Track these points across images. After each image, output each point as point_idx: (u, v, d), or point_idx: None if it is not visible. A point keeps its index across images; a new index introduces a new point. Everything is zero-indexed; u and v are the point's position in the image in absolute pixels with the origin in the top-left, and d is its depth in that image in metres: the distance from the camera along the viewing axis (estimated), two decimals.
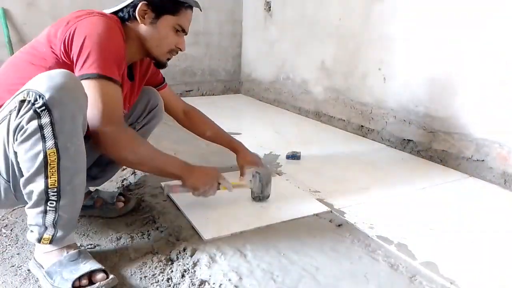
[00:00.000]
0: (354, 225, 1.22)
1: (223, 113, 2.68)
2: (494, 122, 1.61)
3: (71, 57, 0.96)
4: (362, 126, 2.26)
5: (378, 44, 2.10)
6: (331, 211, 1.31)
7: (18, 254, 1.03)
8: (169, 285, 0.92)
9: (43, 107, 0.80)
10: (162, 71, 1.34)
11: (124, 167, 1.61)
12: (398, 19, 1.97)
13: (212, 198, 1.34)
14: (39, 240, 0.90)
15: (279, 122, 2.51)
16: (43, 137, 0.81)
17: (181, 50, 1.18)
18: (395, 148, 2.05)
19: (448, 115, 1.79)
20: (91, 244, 1.08)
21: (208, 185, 1.18)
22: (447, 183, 1.61)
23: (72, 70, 0.95)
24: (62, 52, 0.96)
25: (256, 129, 2.32)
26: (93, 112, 0.94)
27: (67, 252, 0.92)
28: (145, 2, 1.07)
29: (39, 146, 0.82)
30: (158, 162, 1.09)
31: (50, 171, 0.83)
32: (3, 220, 1.19)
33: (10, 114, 0.83)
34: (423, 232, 1.21)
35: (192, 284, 0.93)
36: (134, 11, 1.07)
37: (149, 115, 1.33)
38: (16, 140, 0.83)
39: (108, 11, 1.10)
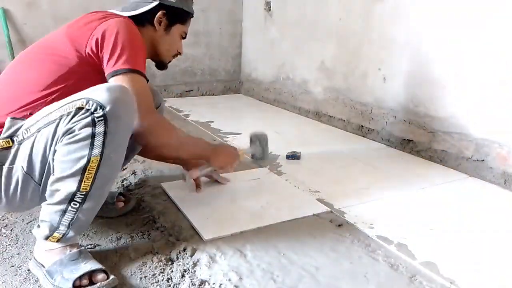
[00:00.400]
0: (354, 225, 1.23)
1: (223, 113, 2.68)
2: (494, 122, 1.61)
3: (101, 55, 1.01)
4: (362, 126, 2.26)
5: (378, 44, 2.10)
6: (331, 211, 1.31)
7: (18, 254, 1.03)
8: (169, 285, 0.93)
9: (102, 118, 0.83)
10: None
11: (124, 166, 1.61)
12: (398, 19, 1.97)
13: (212, 198, 1.35)
14: (47, 238, 0.90)
15: (279, 122, 2.51)
16: (91, 145, 0.84)
17: (180, 54, 1.30)
18: (395, 148, 2.05)
19: (448, 115, 1.79)
20: (91, 244, 1.08)
21: (232, 163, 1.34)
22: (447, 183, 1.61)
23: (96, 68, 1.02)
24: (89, 51, 1.00)
25: (256, 129, 2.31)
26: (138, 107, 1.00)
27: (69, 251, 0.93)
28: (164, 11, 1.17)
29: (85, 152, 0.84)
30: (192, 144, 1.23)
31: (86, 176, 0.85)
32: (3, 220, 1.19)
33: (61, 119, 0.86)
34: (423, 232, 1.21)
35: (192, 284, 0.93)
36: (152, 18, 1.17)
37: None
38: (62, 141, 0.85)
39: (122, 13, 1.15)
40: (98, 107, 0.83)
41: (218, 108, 2.83)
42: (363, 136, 2.24)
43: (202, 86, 3.30)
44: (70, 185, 0.85)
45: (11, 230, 1.14)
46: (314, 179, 1.58)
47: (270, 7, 2.96)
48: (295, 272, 0.99)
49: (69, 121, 0.84)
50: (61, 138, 0.85)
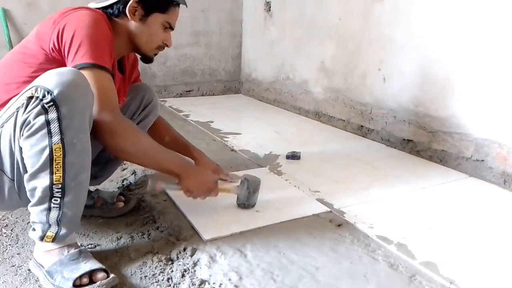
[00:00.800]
0: (354, 225, 1.23)
1: (223, 113, 2.68)
2: (494, 122, 1.61)
3: (62, 51, 0.97)
4: (362, 126, 2.26)
5: (377, 44, 2.10)
6: (331, 211, 1.31)
7: (18, 254, 1.03)
8: (169, 285, 0.93)
9: (51, 103, 0.81)
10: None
11: (124, 166, 1.61)
12: (398, 19, 1.97)
13: (212, 198, 1.34)
14: (42, 238, 0.90)
15: (279, 122, 2.52)
16: (49, 133, 0.82)
17: (168, 46, 1.19)
18: (394, 148, 2.05)
19: (448, 115, 1.79)
20: (91, 244, 1.08)
21: (203, 193, 1.17)
22: (446, 183, 1.61)
23: (63, 65, 0.96)
24: (52, 48, 0.97)
25: (256, 129, 2.32)
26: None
27: (68, 251, 0.93)
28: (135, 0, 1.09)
29: (45, 142, 0.82)
30: (158, 156, 1.07)
31: (55, 167, 0.84)
32: (4, 220, 1.19)
33: (18, 111, 0.85)
34: (423, 232, 1.21)
35: (192, 284, 0.93)
36: (125, 7, 1.09)
37: (144, 110, 1.33)
38: (22, 135, 0.84)
39: (94, 5, 1.11)
40: (46, 93, 0.81)
41: (218, 108, 2.83)
42: (363, 136, 2.24)
43: (202, 86, 3.30)
44: (44, 180, 0.85)
45: (11, 230, 1.14)
46: (314, 179, 1.58)
47: (270, 7, 2.96)
48: (295, 272, 0.99)
49: (23, 112, 0.83)
50: (21, 131, 0.84)
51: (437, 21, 1.79)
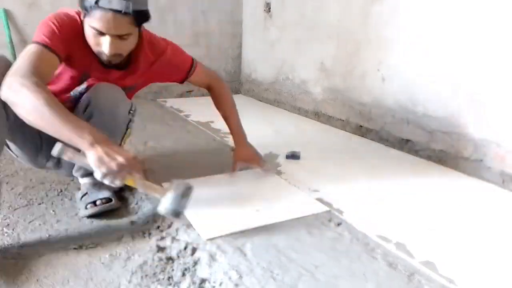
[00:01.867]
0: (353, 224, 1.23)
1: None
2: (492, 122, 1.62)
3: None
4: (361, 126, 2.27)
5: (376, 45, 2.11)
6: (330, 211, 1.32)
7: (19, 253, 1.04)
8: (170, 284, 0.93)
9: None
10: None
11: None
12: (397, 20, 1.98)
13: (212, 197, 1.35)
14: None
15: (279, 122, 2.52)
16: None
17: (110, 54, 1.11)
18: (393, 147, 2.05)
19: (447, 115, 1.80)
20: (92, 243, 1.08)
21: (112, 172, 0.94)
22: (445, 183, 1.62)
23: None
24: None
25: (256, 129, 2.32)
26: (13, 65, 1.02)
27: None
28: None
29: None
30: (61, 124, 0.92)
31: None
32: (5, 219, 1.20)
33: None
34: (422, 231, 1.22)
35: (193, 282, 0.94)
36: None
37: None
38: None
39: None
40: None
41: None
42: (362, 136, 2.25)
43: None
44: None
45: (12, 229, 1.15)
46: (313, 179, 1.59)
47: (269, 8, 2.97)
48: (294, 271, 0.99)
49: None
50: None
51: (435, 21, 1.79)
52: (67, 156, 0.98)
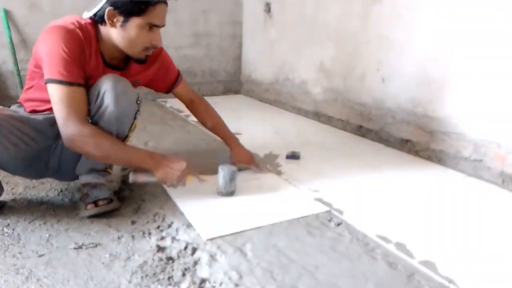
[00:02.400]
0: (353, 224, 1.23)
1: (223, 113, 2.66)
2: (492, 122, 1.62)
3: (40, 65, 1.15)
4: (361, 126, 2.27)
5: (376, 45, 2.11)
6: (330, 211, 1.32)
7: (20, 253, 1.04)
8: (170, 284, 0.93)
9: None
10: None
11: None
12: (397, 20, 1.98)
13: (212, 197, 1.35)
14: None
15: (279, 122, 2.52)
16: None
17: (157, 46, 1.22)
18: (393, 148, 2.05)
19: (446, 115, 1.80)
20: (92, 243, 1.09)
21: (177, 178, 1.22)
22: (445, 183, 1.62)
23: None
24: (34, 64, 1.18)
25: (256, 129, 2.33)
26: (57, 115, 1.12)
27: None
28: (111, 7, 1.12)
29: None
30: (123, 155, 1.18)
31: None
32: (5, 219, 1.20)
33: None
34: (422, 231, 1.22)
35: (193, 282, 0.94)
36: (104, 16, 1.14)
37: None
38: None
39: (86, 14, 1.19)
40: None
41: (219, 109, 2.81)
42: (362, 136, 2.25)
43: (203, 87, 3.31)
44: None
45: (13, 229, 1.15)
46: (314, 179, 1.59)
47: (269, 9, 2.97)
48: (294, 271, 0.99)
49: None
50: None
51: (435, 22, 1.79)
52: (140, 179, 1.25)
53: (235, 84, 3.48)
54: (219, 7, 3.22)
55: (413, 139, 1.97)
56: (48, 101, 1.15)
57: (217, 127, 1.64)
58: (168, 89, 1.55)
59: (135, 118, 1.26)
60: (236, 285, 0.93)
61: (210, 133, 2.21)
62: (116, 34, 1.17)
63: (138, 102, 1.25)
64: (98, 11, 1.15)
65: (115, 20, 1.14)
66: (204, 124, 1.66)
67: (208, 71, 3.32)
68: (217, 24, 3.25)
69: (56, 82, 1.09)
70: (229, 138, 1.62)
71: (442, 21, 1.77)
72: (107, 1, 1.12)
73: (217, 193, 1.37)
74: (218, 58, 3.34)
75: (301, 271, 0.99)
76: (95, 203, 1.23)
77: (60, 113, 1.11)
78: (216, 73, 3.37)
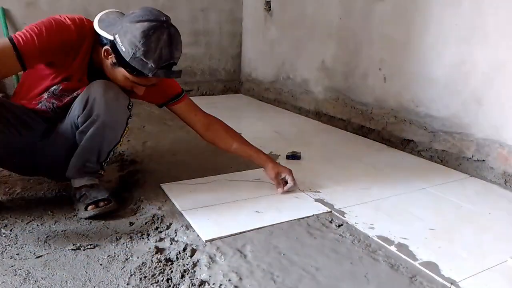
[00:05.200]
0: (355, 226, 1.22)
1: (223, 113, 2.66)
2: (495, 122, 1.61)
3: None
4: (362, 126, 2.26)
5: (378, 44, 2.10)
6: (331, 212, 1.31)
7: (17, 254, 1.03)
8: (169, 286, 0.92)
9: None
10: None
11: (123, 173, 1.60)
12: (399, 19, 1.97)
13: (212, 198, 1.34)
14: None
15: (279, 122, 2.51)
16: None
17: (135, 93, 1.23)
18: (395, 148, 2.04)
19: (449, 115, 1.79)
20: (90, 244, 1.07)
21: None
22: (447, 183, 1.60)
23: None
24: None
25: (257, 129, 2.32)
26: None
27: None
28: (110, 48, 1.13)
29: None
30: None
31: None
32: (3, 220, 1.19)
33: None
34: (424, 232, 1.21)
35: (192, 284, 0.92)
36: (103, 45, 1.15)
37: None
38: None
39: (96, 26, 1.16)
40: None
41: (218, 108, 2.82)
42: (364, 136, 2.23)
43: (202, 86, 3.29)
44: None
45: (10, 230, 1.14)
46: (314, 179, 1.57)
47: (270, 7, 2.96)
48: (295, 273, 0.98)
49: None
50: None
51: (438, 20, 1.78)
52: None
53: (235, 83, 3.47)
54: (219, 5, 3.21)
55: (415, 139, 1.95)
56: (36, 96, 1.19)
57: (244, 144, 1.44)
58: (165, 102, 1.45)
59: (127, 123, 1.25)
60: (236, 287, 0.92)
61: None
62: (106, 65, 1.18)
63: (130, 107, 1.24)
64: (105, 38, 1.14)
65: (109, 57, 1.15)
66: (228, 148, 1.43)
67: (208, 70, 3.31)
68: (216, 22, 3.24)
69: (9, 38, 1.06)
70: (260, 153, 1.44)
71: (444, 19, 1.75)
72: (112, 40, 1.12)
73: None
74: (218, 56, 3.33)
75: (302, 273, 0.98)
76: (96, 204, 1.21)
77: None
78: (216, 72, 3.35)
